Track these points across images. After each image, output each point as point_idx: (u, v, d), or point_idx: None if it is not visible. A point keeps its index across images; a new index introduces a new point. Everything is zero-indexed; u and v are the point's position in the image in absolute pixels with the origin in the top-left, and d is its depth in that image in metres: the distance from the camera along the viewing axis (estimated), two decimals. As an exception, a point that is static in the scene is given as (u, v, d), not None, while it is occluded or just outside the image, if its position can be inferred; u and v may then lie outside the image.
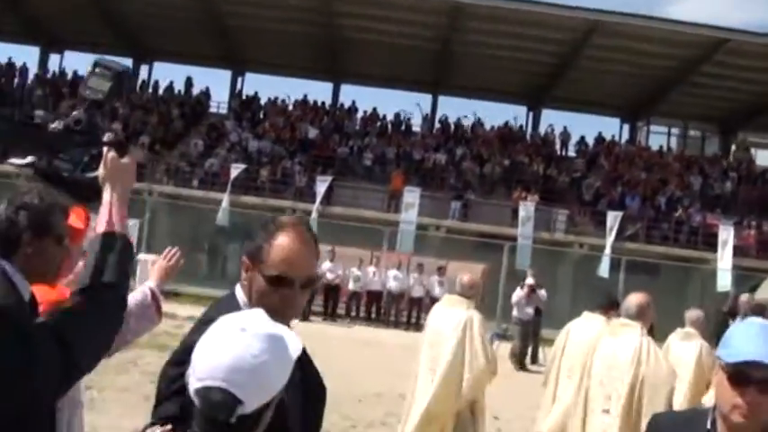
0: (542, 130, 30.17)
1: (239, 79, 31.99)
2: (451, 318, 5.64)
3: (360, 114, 29.69)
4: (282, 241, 1.83)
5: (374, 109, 29.73)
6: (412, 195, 23.20)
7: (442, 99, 31.48)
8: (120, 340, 2.44)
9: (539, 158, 26.58)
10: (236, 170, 23.50)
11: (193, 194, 23.48)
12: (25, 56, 32.49)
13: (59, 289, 2.55)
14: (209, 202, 22.94)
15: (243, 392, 1.31)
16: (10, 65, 29.78)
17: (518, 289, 15.05)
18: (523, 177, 25.62)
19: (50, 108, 26.64)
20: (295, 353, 1.43)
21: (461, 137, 28.49)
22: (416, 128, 29.47)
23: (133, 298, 2.81)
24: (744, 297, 8.79)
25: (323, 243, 19.54)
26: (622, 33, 24.15)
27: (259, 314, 1.46)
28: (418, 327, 17.79)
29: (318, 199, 23.06)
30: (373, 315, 18.33)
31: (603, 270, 21.66)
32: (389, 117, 29.48)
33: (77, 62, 44.99)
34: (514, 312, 13.99)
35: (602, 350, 4.84)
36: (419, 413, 5.59)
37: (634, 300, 4.88)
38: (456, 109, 38.70)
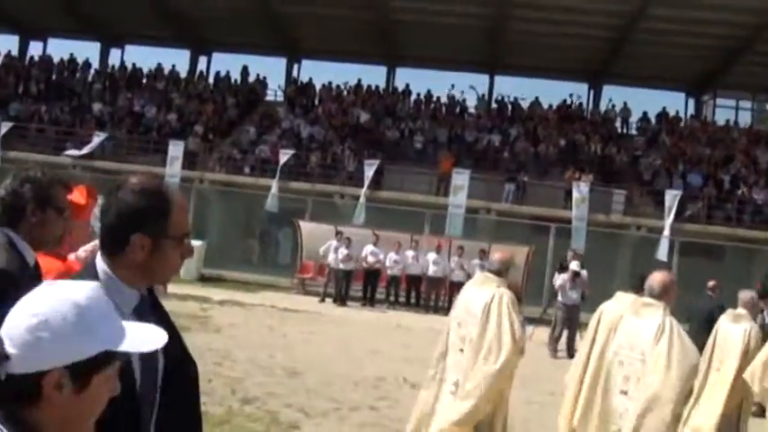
0: (604, 107, 29.11)
1: (295, 66, 32.09)
2: (481, 296, 5.42)
3: (413, 97, 29.35)
4: None
5: (428, 91, 29.38)
6: (461, 178, 22.75)
7: (498, 79, 30.80)
8: None
9: (596, 137, 25.63)
10: (284, 156, 23.60)
11: (244, 181, 23.72)
12: (87, 51, 32.97)
13: (67, 261, 2.92)
14: (259, 188, 23.13)
15: (13, 348, 1.20)
16: (71, 60, 30.71)
17: (556, 273, 14.63)
18: (580, 157, 24.78)
19: (108, 100, 27.48)
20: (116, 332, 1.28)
21: (517, 117, 27.78)
22: (471, 110, 28.92)
23: None
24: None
25: (370, 227, 19.85)
26: (681, 2, 22.93)
27: (89, 284, 1.34)
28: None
29: (366, 183, 22.92)
30: (413, 300, 18.08)
31: (662, 253, 20.75)
32: (444, 100, 29.07)
33: (138, 56, 46.43)
34: (559, 297, 13.58)
35: (623, 329, 4.77)
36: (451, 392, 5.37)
37: (658, 278, 4.78)
38: (514, 89, 37.71)
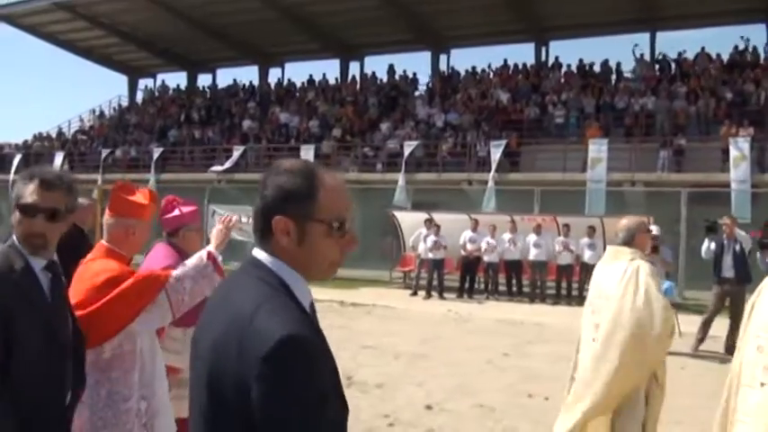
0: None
1: (443, 58, 31.07)
2: (612, 274, 4.48)
3: (564, 70, 27.02)
4: None
5: (580, 61, 26.87)
6: (598, 149, 20.34)
7: (661, 36, 27.42)
8: (176, 302, 3.14)
9: (769, 84, 21.64)
10: (409, 147, 22.74)
11: (374, 178, 23.18)
12: (249, 75, 34.79)
13: (122, 268, 3.14)
14: (388, 183, 22.45)
15: None
16: (232, 86, 32.38)
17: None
18: (748, 109, 21.08)
19: (258, 117, 28.48)
20: None
21: (678, 75, 24.40)
22: (628, 74, 25.91)
23: (190, 262, 3.29)
24: None
25: (502, 213, 18.30)
26: None
27: None
28: (570, 299, 15.48)
29: (494, 166, 21.31)
30: (514, 288, 16.23)
31: None
32: (597, 68, 26.40)
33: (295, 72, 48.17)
34: None
35: (595, 278, 4.68)
36: (582, 391, 4.47)
37: (623, 224, 4.65)
38: (680, 44, 33.65)
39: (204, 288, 3.21)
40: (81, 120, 34.48)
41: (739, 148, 18.70)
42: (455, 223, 16.91)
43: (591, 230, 15.35)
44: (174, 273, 3.20)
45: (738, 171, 18.65)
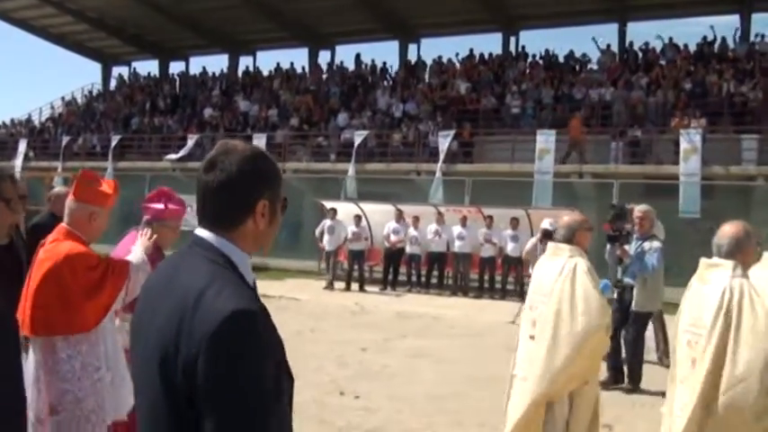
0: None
1: (412, 48, 30.55)
2: (550, 270, 4.45)
3: (529, 61, 26.44)
4: None
5: (546, 51, 26.27)
6: (545, 140, 19.83)
7: (632, 27, 26.72)
8: (131, 290, 3.44)
9: (730, 74, 20.96)
10: (359, 137, 22.32)
11: (326, 167, 22.76)
12: (221, 63, 34.39)
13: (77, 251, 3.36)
14: (339, 173, 22.02)
15: None
16: (201, 74, 31.96)
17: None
18: (708, 101, 20.45)
19: (221, 105, 28.12)
20: None
21: (642, 65, 23.78)
22: (593, 65, 25.28)
23: (136, 256, 3.65)
24: None
25: (453, 204, 17.85)
26: None
27: None
28: (493, 292, 15.00)
29: (442, 157, 20.82)
30: (435, 281, 15.71)
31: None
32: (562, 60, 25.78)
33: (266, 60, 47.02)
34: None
35: (535, 274, 4.54)
36: (520, 393, 4.40)
37: (564, 221, 4.61)
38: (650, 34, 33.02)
39: (141, 280, 3.38)
40: (52, 107, 34.24)
41: (690, 140, 18.13)
42: (385, 215, 16.46)
43: (515, 222, 14.84)
44: (132, 263, 3.55)
45: (688, 164, 18.10)
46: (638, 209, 8.18)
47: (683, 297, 3.61)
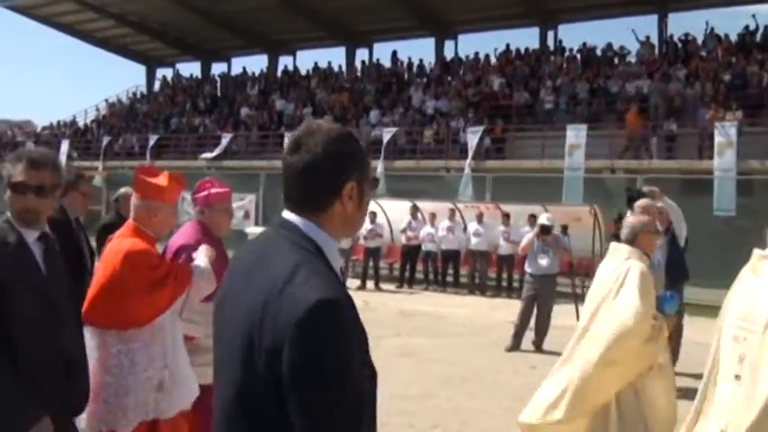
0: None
1: (447, 44, 30.30)
2: (605, 271, 4.40)
3: (566, 55, 25.91)
4: None
5: (583, 44, 25.70)
6: (575, 135, 19.34)
7: (673, 17, 25.94)
8: (190, 297, 3.55)
9: (773, 64, 20.11)
10: (387, 134, 22.20)
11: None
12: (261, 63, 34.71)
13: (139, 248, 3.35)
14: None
15: None
16: (242, 74, 32.24)
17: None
18: (748, 92, 19.67)
19: (258, 105, 28.34)
20: None
21: (681, 57, 23.03)
22: (632, 57, 24.60)
23: (200, 266, 3.64)
24: None
25: (476, 201, 17.62)
26: None
27: None
28: (511, 291, 14.66)
29: (470, 153, 20.55)
30: (453, 279, 15.41)
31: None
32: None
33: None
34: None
35: (596, 273, 4.34)
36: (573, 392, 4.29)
37: (628, 220, 4.47)
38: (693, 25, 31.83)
39: (203, 288, 3.58)
40: (97, 109, 35.11)
41: (725, 133, 17.44)
42: (402, 213, 16.29)
43: (532, 219, 14.44)
44: (195, 271, 3.56)
45: (723, 158, 17.42)
46: (638, 204, 7.85)
47: (729, 291, 3.30)
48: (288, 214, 1.61)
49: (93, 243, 5.26)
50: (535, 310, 9.29)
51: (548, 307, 9.26)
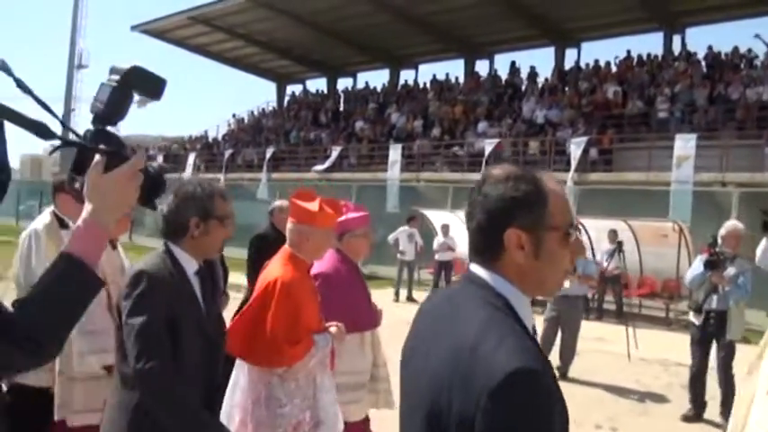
0: None
1: (569, 52, 29.34)
2: None
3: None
4: None
5: (709, 48, 24.11)
6: (685, 145, 18.15)
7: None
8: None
9: None
10: (489, 146, 21.84)
11: (458, 177, 22.47)
12: (382, 78, 35.27)
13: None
14: (470, 182, 21.66)
15: None
16: (364, 89, 32.89)
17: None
18: None
19: (373, 118, 28.77)
20: None
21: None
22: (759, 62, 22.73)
23: (320, 348, 3.45)
24: None
25: (583, 215, 17.04)
26: None
27: None
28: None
29: (574, 164, 19.82)
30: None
31: None
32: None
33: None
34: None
35: None
36: None
37: None
38: None
39: (316, 370, 3.41)
40: (228, 124, 37.05)
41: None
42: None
43: (612, 235, 13.71)
44: (314, 347, 3.35)
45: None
46: (728, 226, 7.30)
47: None
48: (474, 267, 1.53)
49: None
50: (560, 334, 8.84)
51: (571, 330, 8.80)
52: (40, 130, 1.43)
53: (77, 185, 1.57)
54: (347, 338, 3.69)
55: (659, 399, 8.04)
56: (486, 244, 1.49)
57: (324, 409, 3.34)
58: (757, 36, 23.08)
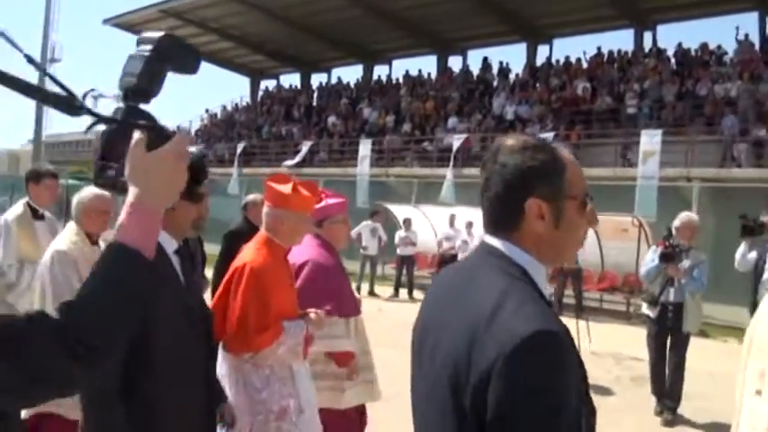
0: None
1: (538, 49, 29.36)
2: None
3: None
4: None
5: (679, 45, 24.22)
6: (650, 141, 18.18)
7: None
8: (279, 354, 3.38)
9: None
10: (457, 141, 21.79)
11: (426, 173, 22.43)
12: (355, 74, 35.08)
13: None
14: (440, 177, 21.64)
15: None
16: (336, 84, 32.72)
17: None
18: None
19: (345, 113, 28.65)
20: None
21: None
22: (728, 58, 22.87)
23: (291, 335, 3.35)
24: None
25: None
26: None
27: None
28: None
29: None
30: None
31: None
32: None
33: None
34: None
35: (764, 311, 3.34)
36: None
37: None
38: None
39: (287, 358, 3.32)
40: (201, 119, 36.82)
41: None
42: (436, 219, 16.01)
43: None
44: (283, 335, 3.27)
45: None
46: (682, 217, 7.30)
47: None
48: (488, 238, 1.52)
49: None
50: None
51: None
52: (71, 105, 1.27)
53: (110, 173, 1.37)
54: (351, 321, 3.81)
55: (604, 392, 7.99)
56: (505, 214, 1.48)
57: (303, 398, 3.32)
58: (736, 29, 23.03)
